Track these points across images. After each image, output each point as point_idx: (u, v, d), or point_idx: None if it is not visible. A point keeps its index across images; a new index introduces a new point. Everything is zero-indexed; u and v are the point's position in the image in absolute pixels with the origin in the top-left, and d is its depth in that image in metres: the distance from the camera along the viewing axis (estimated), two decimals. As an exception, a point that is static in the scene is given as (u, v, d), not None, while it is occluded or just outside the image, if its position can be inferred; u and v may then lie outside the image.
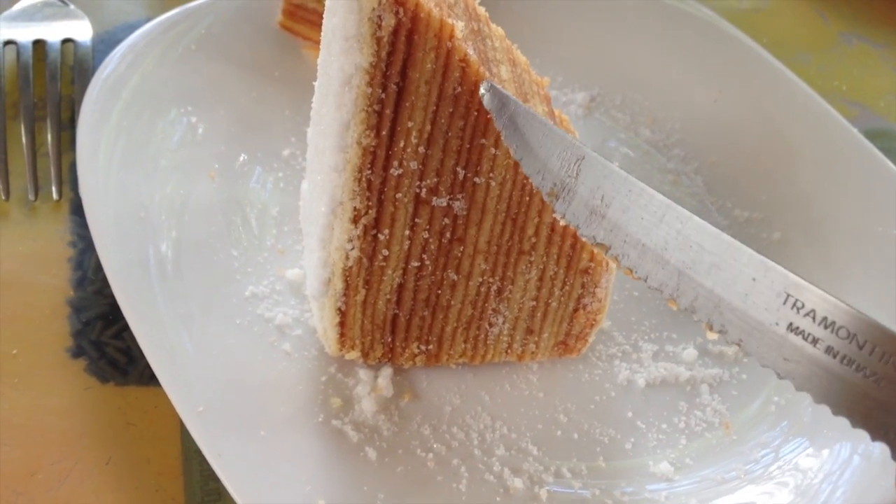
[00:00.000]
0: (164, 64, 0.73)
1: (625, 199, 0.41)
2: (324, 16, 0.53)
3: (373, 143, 0.50)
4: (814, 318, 0.35)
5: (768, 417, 0.61)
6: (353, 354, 0.58)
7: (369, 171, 0.50)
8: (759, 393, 0.63)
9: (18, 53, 0.77)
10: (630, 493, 0.56)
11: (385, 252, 0.54)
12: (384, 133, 0.50)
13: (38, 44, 0.79)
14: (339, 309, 0.56)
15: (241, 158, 0.71)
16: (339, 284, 0.55)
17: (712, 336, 0.38)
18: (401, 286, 0.56)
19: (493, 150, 0.51)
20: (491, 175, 0.52)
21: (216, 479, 0.53)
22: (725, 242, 0.38)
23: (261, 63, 0.77)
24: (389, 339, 0.58)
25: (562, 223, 0.44)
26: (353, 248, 0.53)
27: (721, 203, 0.77)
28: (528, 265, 0.56)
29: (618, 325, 0.66)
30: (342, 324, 0.57)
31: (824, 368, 0.35)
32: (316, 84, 0.58)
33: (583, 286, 0.58)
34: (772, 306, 0.36)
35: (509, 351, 0.61)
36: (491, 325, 0.59)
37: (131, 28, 0.77)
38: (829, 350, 0.35)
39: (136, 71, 0.71)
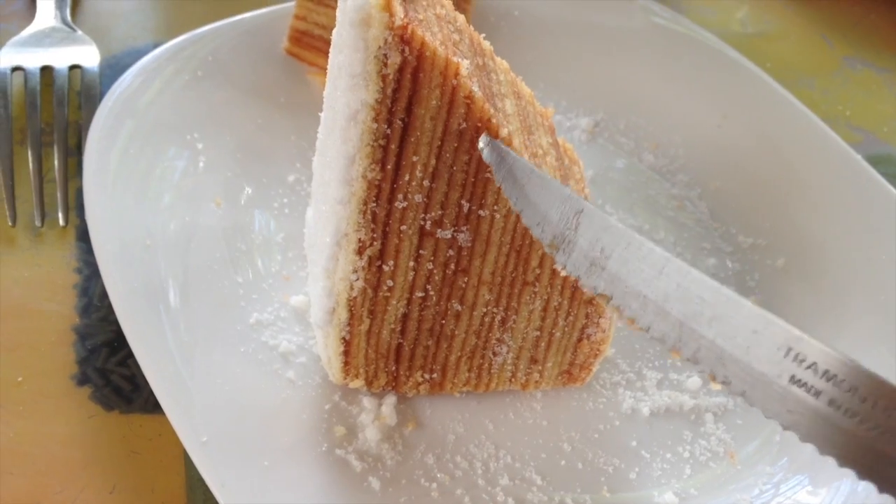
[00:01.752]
0: (171, 90, 0.73)
1: (624, 252, 0.42)
2: (330, 50, 0.54)
3: (378, 177, 0.50)
4: (815, 371, 0.35)
5: (772, 448, 0.61)
6: (357, 383, 0.58)
7: (374, 204, 0.51)
8: (765, 422, 0.62)
9: (26, 79, 0.78)
10: (634, 525, 0.56)
11: (389, 283, 0.54)
12: (389, 167, 0.50)
13: (46, 69, 0.79)
14: (344, 338, 0.56)
15: (247, 186, 0.71)
16: (343, 314, 0.55)
17: (717, 387, 0.38)
18: (405, 316, 0.56)
19: (497, 184, 0.51)
20: (495, 207, 0.52)
21: (220, 509, 0.53)
22: (725, 295, 0.39)
23: (266, 89, 0.77)
24: (393, 368, 0.58)
25: (563, 274, 0.44)
26: (357, 279, 0.53)
27: (725, 229, 0.77)
28: (533, 296, 0.56)
29: (622, 352, 0.66)
30: (346, 353, 0.57)
31: (828, 420, 0.35)
32: (322, 116, 0.58)
33: (587, 317, 0.58)
34: (774, 359, 0.37)
35: (513, 380, 0.61)
36: (495, 354, 0.59)
37: (138, 54, 0.78)
38: (831, 402, 0.35)
39: (143, 97, 0.71)
